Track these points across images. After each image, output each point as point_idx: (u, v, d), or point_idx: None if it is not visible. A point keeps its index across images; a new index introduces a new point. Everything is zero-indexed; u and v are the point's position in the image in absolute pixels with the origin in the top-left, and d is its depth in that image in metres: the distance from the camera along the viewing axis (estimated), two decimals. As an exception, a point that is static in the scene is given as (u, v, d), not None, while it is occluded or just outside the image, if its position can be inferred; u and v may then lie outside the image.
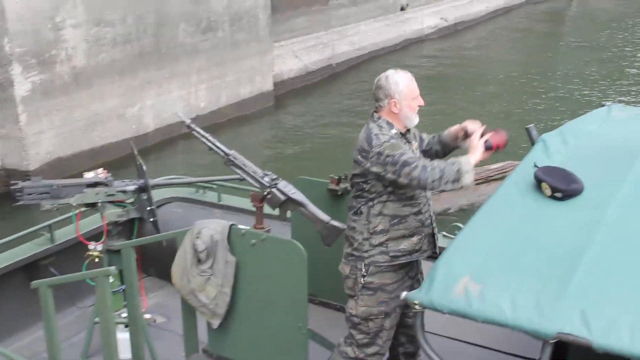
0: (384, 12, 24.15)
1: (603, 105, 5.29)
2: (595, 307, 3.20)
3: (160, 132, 15.54)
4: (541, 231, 3.82)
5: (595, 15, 31.17)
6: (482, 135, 4.76)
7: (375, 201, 4.85)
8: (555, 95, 19.74)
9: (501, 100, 19.29)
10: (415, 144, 5.03)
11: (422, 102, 4.91)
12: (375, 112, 4.94)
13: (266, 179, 5.54)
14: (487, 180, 11.93)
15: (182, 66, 16.02)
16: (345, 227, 5.15)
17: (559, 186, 4.05)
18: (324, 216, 5.26)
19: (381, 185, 4.81)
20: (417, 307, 3.54)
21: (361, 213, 4.91)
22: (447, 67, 22.59)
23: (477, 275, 3.50)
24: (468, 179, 4.61)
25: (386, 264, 4.88)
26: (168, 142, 15.47)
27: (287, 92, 19.37)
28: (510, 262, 3.60)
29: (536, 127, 4.96)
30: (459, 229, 4.63)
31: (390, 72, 4.90)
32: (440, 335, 5.41)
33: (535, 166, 4.26)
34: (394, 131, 4.84)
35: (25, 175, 11.75)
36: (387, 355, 5.14)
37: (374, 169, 4.75)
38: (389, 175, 4.70)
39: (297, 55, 19.96)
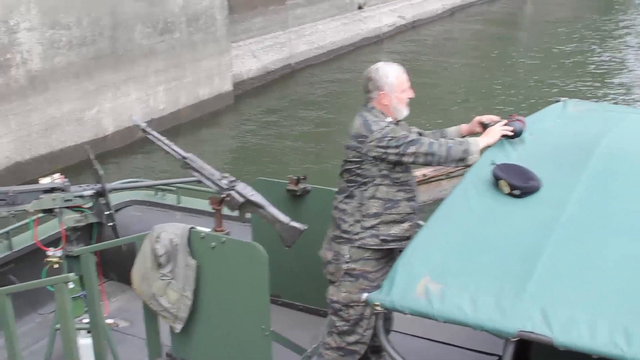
0: (341, 11, 24.18)
1: (558, 101, 5.32)
2: (555, 305, 3.22)
3: (119, 135, 15.43)
4: (499, 230, 3.83)
5: (550, 13, 31.44)
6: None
7: (368, 185, 4.88)
8: (511, 92, 19.93)
9: (458, 97, 19.41)
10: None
11: (411, 94, 4.97)
12: (368, 102, 4.97)
13: (224, 181, 5.52)
14: (449, 176, 11.99)
15: (139, 68, 15.91)
16: (305, 227, 5.15)
17: (517, 183, 4.06)
18: (283, 217, 5.25)
19: (376, 169, 4.84)
20: (378, 308, 3.54)
21: (354, 196, 4.92)
22: (404, 64, 22.64)
23: (437, 275, 3.52)
24: (473, 160, 4.69)
25: (375, 247, 4.89)
26: (128, 145, 15.34)
27: (247, 92, 19.32)
28: (470, 261, 3.62)
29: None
30: (419, 226, 4.64)
31: (381, 64, 4.96)
32: (405, 334, 5.43)
33: (493, 163, 4.27)
34: (388, 119, 4.89)
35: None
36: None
37: (373, 153, 4.79)
38: (391, 157, 4.77)
39: (255, 55, 19.92)
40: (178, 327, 5.29)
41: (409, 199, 4.96)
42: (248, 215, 5.63)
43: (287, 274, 5.87)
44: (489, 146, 4.68)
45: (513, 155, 4.48)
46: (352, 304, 4.94)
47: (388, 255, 4.95)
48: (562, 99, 5.36)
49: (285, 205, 5.59)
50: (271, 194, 5.59)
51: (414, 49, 24.80)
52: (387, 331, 4.65)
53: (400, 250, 4.68)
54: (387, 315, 4.91)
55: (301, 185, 5.88)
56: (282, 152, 15.41)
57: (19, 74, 13.42)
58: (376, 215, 4.88)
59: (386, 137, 4.74)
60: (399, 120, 4.99)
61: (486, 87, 20.21)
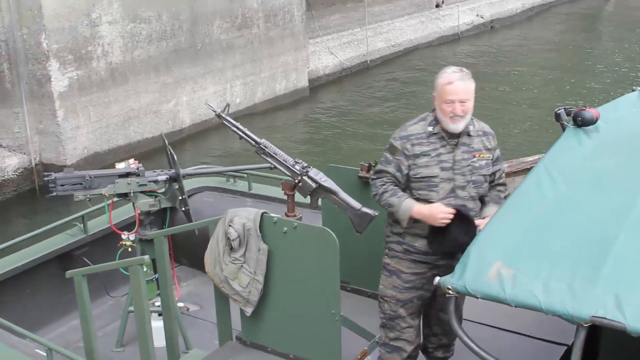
0: (419, 9, 24.10)
1: (633, 90, 5.22)
2: (629, 292, 3.17)
3: (196, 128, 15.64)
4: (572, 217, 3.78)
5: (632, 14, 30.81)
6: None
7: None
8: (588, 84, 19.68)
9: (537, 93, 19.14)
10: (460, 152, 4.67)
11: (456, 111, 4.55)
12: None
13: (297, 166, 5.54)
14: (524, 171, 11.82)
15: (217, 62, 16.08)
16: (376, 214, 5.14)
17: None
18: (355, 203, 5.25)
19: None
20: (450, 291, 3.53)
21: None
22: (482, 64, 22.50)
23: (509, 261, 3.50)
24: (400, 218, 4.67)
25: (400, 254, 4.82)
26: (203, 135, 15.53)
27: (322, 86, 19.41)
28: (542, 247, 3.59)
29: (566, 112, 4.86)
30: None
31: (447, 67, 4.69)
32: (472, 322, 5.38)
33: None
34: (429, 129, 4.65)
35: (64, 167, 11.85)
36: (416, 345, 5.02)
37: None
38: None
39: (332, 52, 19.97)
40: (249, 310, 5.32)
41: None
42: (319, 202, 5.64)
43: (356, 261, 5.86)
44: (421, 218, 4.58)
45: (587, 143, 4.42)
46: (385, 298, 4.91)
47: (427, 265, 4.78)
48: (637, 88, 5.24)
49: (356, 192, 5.57)
50: (342, 180, 5.59)
51: (488, 50, 24.52)
52: (460, 318, 4.57)
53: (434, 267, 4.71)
54: (443, 317, 4.88)
55: (372, 172, 5.85)
56: (355, 142, 15.44)
57: (99, 66, 13.68)
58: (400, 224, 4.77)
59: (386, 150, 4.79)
60: (449, 132, 4.65)
61: (563, 83, 19.95)
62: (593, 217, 3.73)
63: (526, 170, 11.63)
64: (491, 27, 26.90)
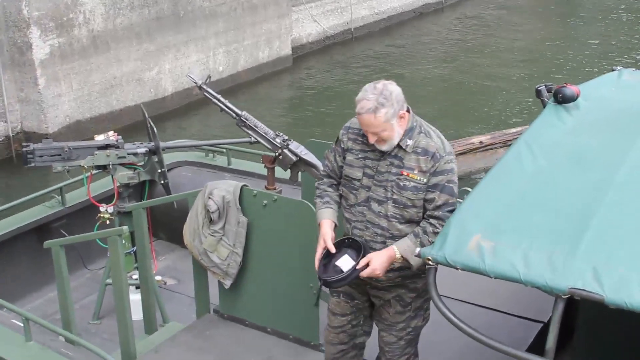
0: (403, -24, 23.96)
1: (614, 70, 5.23)
2: (607, 264, 3.19)
3: (178, 96, 15.54)
4: (552, 190, 3.79)
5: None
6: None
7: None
8: (568, 61, 19.64)
9: (523, 65, 19.13)
10: (386, 163, 4.15)
11: (370, 140, 4.10)
12: None
13: (277, 139, 5.52)
14: (505, 144, 11.88)
15: (200, 30, 15.94)
16: None
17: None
18: (335, 178, 5.21)
19: None
20: (430, 262, 3.55)
21: None
22: (468, 33, 22.47)
23: (489, 233, 3.51)
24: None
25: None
26: (186, 106, 15.45)
27: (305, 55, 19.32)
28: (522, 220, 3.60)
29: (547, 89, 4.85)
30: (468, 193, 4.60)
31: (365, 88, 4.06)
32: (449, 298, 5.39)
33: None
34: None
35: (44, 138, 11.78)
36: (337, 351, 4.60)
37: None
38: None
39: (315, 20, 19.85)
40: (227, 283, 5.33)
41: (348, 221, 4.32)
42: (299, 177, 5.62)
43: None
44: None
45: (567, 120, 4.43)
46: None
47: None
48: (617, 68, 5.25)
49: (336, 166, 5.54)
50: (322, 154, 5.57)
51: (476, 18, 24.44)
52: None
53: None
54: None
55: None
56: (336, 115, 15.35)
57: (81, 33, 13.54)
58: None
59: None
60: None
61: (546, 58, 19.91)
62: (573, 192, 3.74)
63: (508, 142, 11.73)
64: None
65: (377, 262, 4.02)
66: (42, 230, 6.89)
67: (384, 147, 4.09)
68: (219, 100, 5.66)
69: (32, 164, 5.99)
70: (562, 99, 4.57)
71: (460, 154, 12.21)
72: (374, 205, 4.16)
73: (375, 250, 4.13)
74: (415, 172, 4.09)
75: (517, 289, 3.33)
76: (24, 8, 12.53)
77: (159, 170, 6.12)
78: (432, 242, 3.83)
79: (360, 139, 4.22)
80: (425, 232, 4.04)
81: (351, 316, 4.44)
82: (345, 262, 4.11)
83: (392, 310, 4.32)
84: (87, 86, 13.81)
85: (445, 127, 14.18)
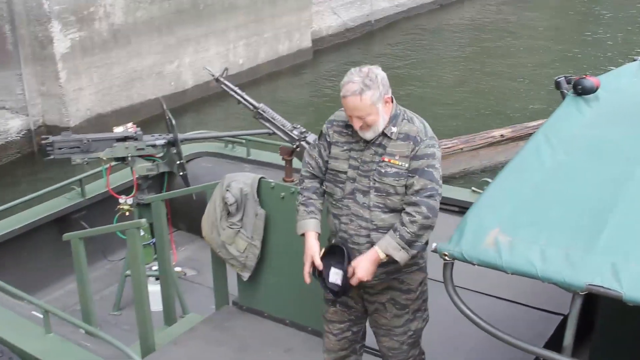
0: (424, -32, 23.86)
1: (634, 60, 5.17)
2: (626, 260, 3.12)
3: (199, 89, 15.54)
4: (571, 185, 3.74)
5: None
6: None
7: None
8: (589, 53, 19.52)
9: (546, 57, 19.00)
10: (370, 152, 4.07)
11: (355, 125, 4.02)
12: None
13: (295, 132, 5.51)
14: (527, 137, 11.80)
15: (219, 23, 15.94)
16: None
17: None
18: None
19: None
20: (446, 258, 3.50)
21: None
22: (488, 24, 22.35)
23: (506, 228, 3.45)
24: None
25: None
26: (206, 98, 15.46)
27: (326, 48, 19.27)
28: (540, 214, 3.55)
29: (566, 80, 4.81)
30: (488, 184, 4.57)
31: (350, 71, 4.08)
32: (468, 289, 5.38)
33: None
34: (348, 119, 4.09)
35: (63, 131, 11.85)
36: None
37: None
38: None
39: (335, 12, 19.81)
40: (245, 275, 5.34)
41: (335, 216, 4.22)
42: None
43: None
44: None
45: (586, 112, 4.39)
46: None
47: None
48: (638, 58, 5.20)
49: (355, 158, 5.54)
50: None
51: (498, 8, 24.30)
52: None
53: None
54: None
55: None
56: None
57: (102, 27, 13.58)
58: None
59: None
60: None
61: (569, 49, 19.79)
62: (592, 185, 3.69)
63: (530, 135, 11.67)
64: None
65: (362, 270, 3.97)
66: (62, 221, 6.92)
67: (368, 134, 4.01)
68: (236, 92, 5.66)
69: (51, 157, 6.02)
70: (582, 91, 4.52)
71: (482, 147, 12.19)
72: (359, 197, 4.07)
73: (359, 244, 4.09)
74: (397, 157, 4.01)
75: (537, 281, 3.29)
76: (44, 2, 12.58)
77: (178, 162, 6.13)
78: (411, 233, 3.89)
79: (345, 130, 4.14)
80: (403, 224, 3.93)
81: (349, 323, 4.40)
82: (335, 276, 4.09)
83: (389, 314, 4.25)
84: (108, 80, 13.85)
85: (465, 120, 14.22)
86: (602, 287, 3.06)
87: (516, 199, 3.68)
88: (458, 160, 11.77)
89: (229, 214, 5.23)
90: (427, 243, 4.20)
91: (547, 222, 3.48)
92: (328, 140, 4.20)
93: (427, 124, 4.13)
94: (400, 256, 3.92)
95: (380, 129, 4.01)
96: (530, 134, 11.56)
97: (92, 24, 13.40)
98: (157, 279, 6.10)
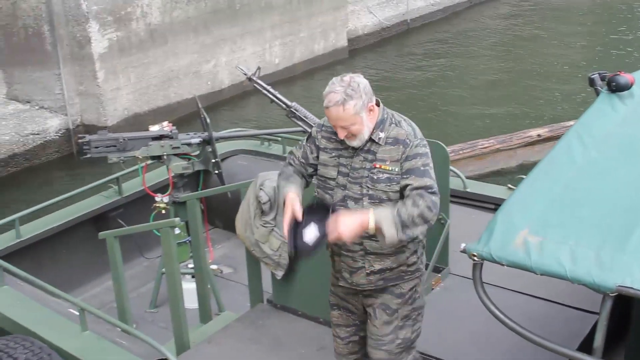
0: (458, -34, 23.77)
1: None
2: None
3: (235, 88, 15.62)
4: (602, 183, 3.70)
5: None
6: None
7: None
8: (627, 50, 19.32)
9: (583, 55, 18.85)
10: (360, 159, 3.99)
11: (340, 135, 3.95)
12: None
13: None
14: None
15: (256, 23, 16.02)
16: None
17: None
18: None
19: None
20: (475, 258, 3.49)
21: None
22: (524, 24, 22.20)
23: (536, 228, 3.42)
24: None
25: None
26: (242, 96, 15.54)
27: (361, 47, 19.27)
28: (570, 214, 3.50)
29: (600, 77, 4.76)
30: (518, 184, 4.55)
31: (332, 80, 3.93)
32: (503, 288, 5.36)
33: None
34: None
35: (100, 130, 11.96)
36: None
37: None
38: None
39: (371, 11, 19.80)
40: (279, 273, 5.36)
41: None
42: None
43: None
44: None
45: (620, 109, 4.34)
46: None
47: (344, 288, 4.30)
48: None
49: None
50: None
51: (535, 7, 24.11)
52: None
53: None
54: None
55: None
56: (390, 106, 15.33)
57: (139, 27, 13.71)
58: None
59: None
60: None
61: (605, 46, 19.61)
62: (624, 184, 3.65)
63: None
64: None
65: (344, 225, 3.75)
66: (100, 219, 7.00)
67: (354, 143, 3.94)
68: (269, 91, 5.69)
69: (88, 155, 6.10)
70: (616, 88, 4.46)
71: (519, 147, 12.12)
72: (351, 204, 3.97)
73: (352, 252, 4.03)
74: (387, 162, 3.93)
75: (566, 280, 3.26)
76: (83, 3, 12.74)
77: (213, 160, 6.18)
78: (409, 215, 3.74)
79: (334, 137, 4.04)
80: (403, 204, 3.80)
81: (355, 328, 4.35)
82: (312, 233, 3.92)
83: (379, 321, 4.16)
84: (145, 79, 13.99)
85: (501, 120, 14.15)
86: (632, 288, 3.02)
87: (546, 198, 3.64)
88: (495, 160, 11.70)
89: (262, 212, 5.25)
90: (424, 247, 4.19)
91: (577, 221, 3.43)
92: (316, 144, 4.12)
93: (415, 126, 4.05)
94: (390, 233, 3.74)
95: (366, 137, 3.93)
96: (567, 133, 11.52)
97: (130, 24, 13.54)
98: (193, 276, 6.15)
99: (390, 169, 3.91)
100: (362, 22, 19.57)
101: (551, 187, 3.73)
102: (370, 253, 4.02)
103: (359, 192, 3.96)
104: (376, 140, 3.93)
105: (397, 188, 3.91)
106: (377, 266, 4.03)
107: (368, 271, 4.05)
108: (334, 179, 4.03)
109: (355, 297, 4.24)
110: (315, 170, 4.14)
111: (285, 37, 16.81)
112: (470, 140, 11.85)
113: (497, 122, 13.92)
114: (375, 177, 3.93)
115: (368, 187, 3.93)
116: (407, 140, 3.92)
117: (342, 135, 3.90)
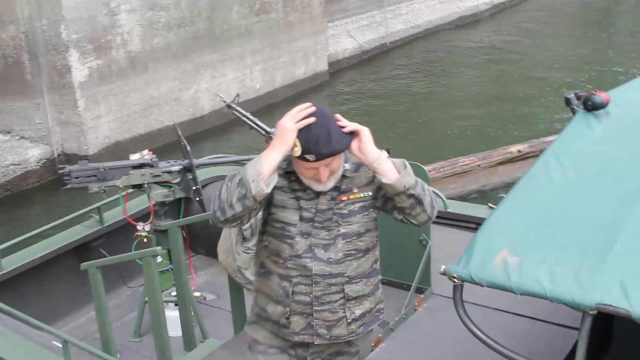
0: (437, -11, 23.98)
1: None
2: (635, 278, 3.12)
3: (216, 115, 15.60)
4: (580, 203, 3.73)
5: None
6: None
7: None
8: (600, 68, 19.51)
9: (561, 74, 19.00)
10: (327, 199, 3.54)
11: (321, 178, 3.45)
12: None
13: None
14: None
15: (236, 49, 16.06)
16: None
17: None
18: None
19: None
20: (455, 280, 3.49)
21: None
22: (504, 44, 22.38)
23: (515, 248, 3.45)
24: (257, 190, 3.35)
25: (254, 318, 3.95)
26: (224, 124, 15.53)
27: (342, 70, 19.37)
28: (549, 234, 3.54)
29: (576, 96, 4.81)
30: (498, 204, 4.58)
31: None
32: (486, 307, 5.37)
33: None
34: (284, 165, 3.57)
35: (82, 160, 11.92)
36: None
37: None
38: None
39: (351, 35, 19.90)
40: (262, 300, 5.33)
41: (283, 277, 3.62)
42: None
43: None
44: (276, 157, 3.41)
45: (597, 128, 4.38)
46: None
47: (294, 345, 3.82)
48: None
49: (370, 180, 5.57)
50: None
51: (513, 29, 24.31)
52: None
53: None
54: None
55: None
56: (372, 128, 15.38)
57: (119, 55, 13.72)
58: (256, 275, 3.88)
59: None
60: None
61: (580, 63, 19.78)
62: (601, 203, 3.69)
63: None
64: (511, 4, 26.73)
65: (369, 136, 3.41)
66: (81, 249, 6.97)
67: (331, 182, 3.49)
68: (247, 118, 5.70)
69: (69, 185, 6.08)
70: (592, 107, 4.52)
71: (499, 163, 12.17)
72: (320, 253, 3.53)
73: (330, 303, 3.59)
74: (355, 190, 3.55)
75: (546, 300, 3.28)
76: (62, 31, 12.75)
77: (194, 188, 6.17)
78: (420, 184, 3.48)
79: (293, 176, 3.55)
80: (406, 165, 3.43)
81: None
82: None
83: None
84: (126, 107, 13.99)
85: (483, 137, 14.22)
86: (611, 305, 3.05)
87: (525, 219, 3.67)
88: (476, 178, 11.74)
89: (244, 238, 5.24)
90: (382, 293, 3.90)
91: (555, 241, 3.46)
92: None
93: None
94: (405, 173, 3.37)
95: (340, 173, 3.52)
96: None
97: (110, 51, 13.56)
98: (176, 304, 6.13)
99: (361, 195, 3.55)
100: (342, 46, 19.67)
101: (529, 207, 3.77)
102: (350, 299, 3.64)
103: (329, 238, 3.53)
104: (345, 175, 3.56)
105: (374, 215, 3.62)
106: (358, 312, 3.68)
107: (349, 320, 3.67)
108: (294, 225, 3.54)
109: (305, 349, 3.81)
110: (266, 213, 3.63)
111: (266, 62, 16.86)
112: (450, 158, 11.92)
113: (477, 140, 14.00)
114: (346, 211, 3.53)
115: (339, 226, 3.53)
116: None
117: (324, 177, 3.43)
